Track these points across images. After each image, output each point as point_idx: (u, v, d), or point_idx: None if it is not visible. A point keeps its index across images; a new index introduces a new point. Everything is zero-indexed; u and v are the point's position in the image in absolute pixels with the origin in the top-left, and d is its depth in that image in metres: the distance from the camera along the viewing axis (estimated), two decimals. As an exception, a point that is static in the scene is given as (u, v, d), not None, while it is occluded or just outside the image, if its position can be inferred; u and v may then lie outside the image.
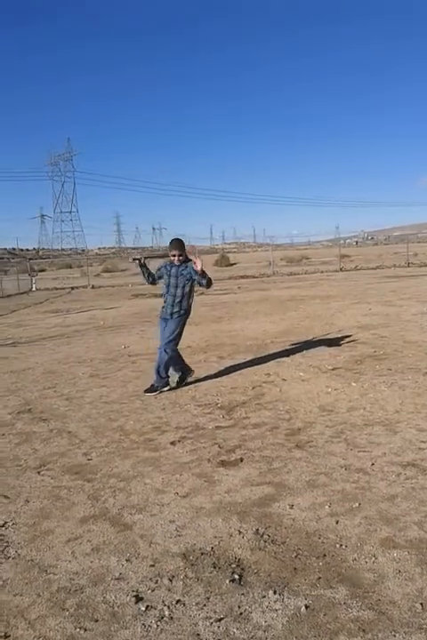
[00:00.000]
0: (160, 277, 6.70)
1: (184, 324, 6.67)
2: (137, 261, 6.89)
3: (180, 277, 6.50)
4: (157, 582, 2.84)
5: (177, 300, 6.52)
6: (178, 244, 6.61)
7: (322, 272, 30.48)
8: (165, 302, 6.64)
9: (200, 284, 6.48)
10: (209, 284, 6.48)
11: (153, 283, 6.87)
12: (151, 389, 6.57)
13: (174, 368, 6.79)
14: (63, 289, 30.25)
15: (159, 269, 6.70)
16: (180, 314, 6.55)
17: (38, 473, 4.40)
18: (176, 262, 6.53)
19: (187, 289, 6.54)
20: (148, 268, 6.79)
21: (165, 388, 6.60)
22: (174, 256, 6.51)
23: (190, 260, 6.56)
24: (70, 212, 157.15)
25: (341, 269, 31.24)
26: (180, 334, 6.65)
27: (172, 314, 6.55)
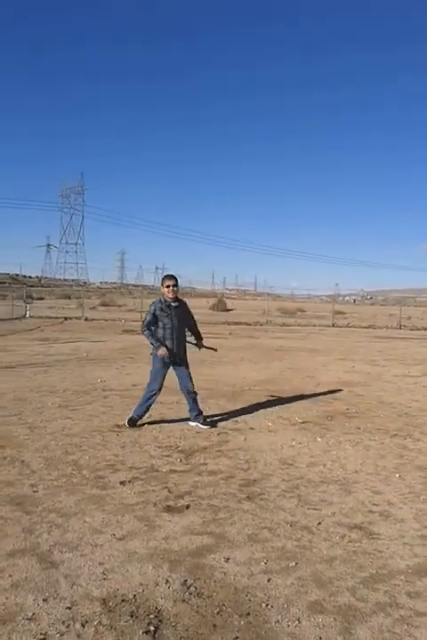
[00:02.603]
0: (157, 320, 6.49)
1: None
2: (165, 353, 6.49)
3: (182, 318, 6.54)
4: (68, 626, 2.72)
5: (182, 341, 6.56)
6: (173, 276, 6.59)
7: (314, 326, 30.52)
8: (148, 340, 6.51)
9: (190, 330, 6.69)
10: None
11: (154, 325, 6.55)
12: (131, 421, 6.63)
13: (137, 409, 6.68)
14: (57, 318, 30.17)
15: (153, 312, 6.47)
16: (185, 354, 6.62)
17: (-21, 501, 4.28)
18: (172, 295, 6.44)
19: (186, 328, 6.61)
20: (154, 339, 6.49)
21: (204, 427, 6.72)
22: (169, 287, 6.41)
23: (182, 300, 6.66)
24: (76, 244, 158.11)
25: (333, 325, 31.28)
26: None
27: (182, 358, 6.58)
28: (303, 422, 7.10)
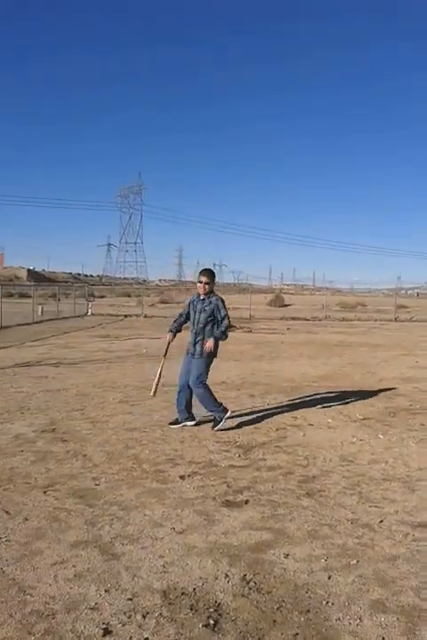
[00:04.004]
0: (187, 312, 6.61)
1: (211, 362, 6.53)
2: (172, 337, 6.65)
3: (202, 313, 6.39)
4: (129, 617, 2.77)
5: (198, 337, 6.38)
6: (208, 272, 6.53)
7: (375, 320, 29.87)
8: (189, 339, 6.53)
9: (219, 327, 6.42)
10: (224, 334, 6.45)
11: (187, 319, 6.64)
12: (175, 422, 6.53)
13: (207, 409, 6.55)
14: (117, 316, 30.79)
15: (188, 304, 6.64)
16: (201, 354, 6.38)
17: (44, 492, 4.42)
18: (202, 291, 6.42)
19: (208, 327, 6.38)
20: (174, 326, 6.65)
21: (190, 423, 6.52)
22: (200, 283, 6.41)
23: (216, 295, 6.51)
24: (135, 243, 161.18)
25: (395, 319, 30.52)
26: (206, 372, 6.49)
27: (193, 353, 6.43)
28: (364, 419, 6.96)
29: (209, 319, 6.40)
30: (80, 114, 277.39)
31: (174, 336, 6.63)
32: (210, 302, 6.43)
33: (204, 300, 6.46)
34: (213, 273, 6.61)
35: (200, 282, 6.44)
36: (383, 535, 3.73)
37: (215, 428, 6.33)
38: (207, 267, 6.69)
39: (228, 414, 6.45)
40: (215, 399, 6.49)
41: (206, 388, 6.46)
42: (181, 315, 6.69)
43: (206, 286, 6.42)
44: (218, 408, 6.44)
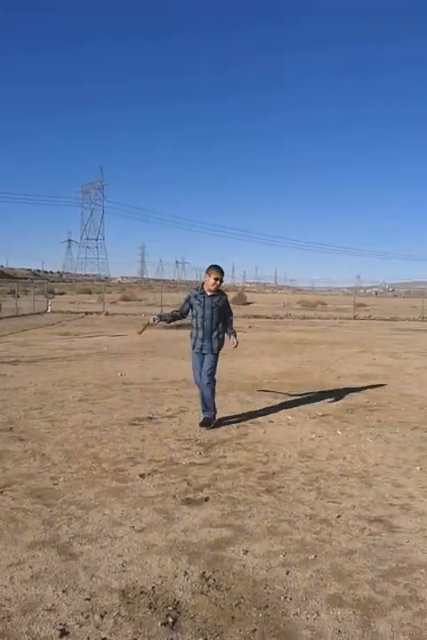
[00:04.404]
0: (191, 308, 6.47)
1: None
2: (155, 320, 6.58)
3: (215, 309, 6.34)
4: (87, 617, 2.74)
5: (215, 333, 6.34)
6: (221, 269, 6.43)
7: (335, 319, 30.31)
8: (197, 335, 6.40)
9: (231, 325, 6.54)
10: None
11: (183, 316, 6.61)
12: (206, 423, 6.40)
13: (208, 405, 6.48)
14: (78, 313, 30.39)
15: (188, 299, 6.49)
16: (218, 348, 6.42)
17: (1, 493, 4.33)
18: (213, 288, 6.34)
19: (221, 323, 6.40)
20: (165, 315, 6.71)
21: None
22: (216, 280, 6.31)
23: (222, 292, 6.53)
24: (96, 239, 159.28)
25: (354, 317, 31.04)
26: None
27: (211, 348, 6.36)
28: (323, 415, 7.06)
29: (222, 315, 6.42)
30: (41, 109, 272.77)
31: (157, 322, 6.62)
32: (220, 299, 6.42)
33: (213, 296, 6.40)
34: (223, 271, 6.52)
35: (216, 279, 6.32)
36: (341, 530, 3.79)
37: (210, 427, 6.33)
38: (215, 264, 6.51)
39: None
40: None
41: (215, 384, 6.53)
42: (179, 310, 6.58)
43: (220, 283, 6.40)
44: (213, 407, 6.50)
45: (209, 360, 6.37)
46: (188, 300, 6.48)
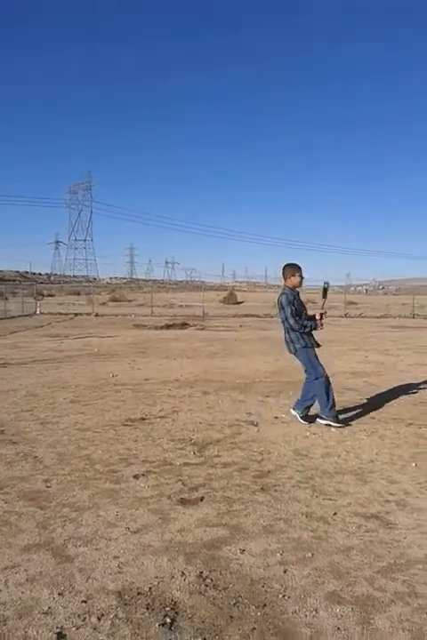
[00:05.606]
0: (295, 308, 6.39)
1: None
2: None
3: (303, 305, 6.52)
4: (84, 620, 2.70)
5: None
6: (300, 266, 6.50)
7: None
8: (307, 330, 6.39)
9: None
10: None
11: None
12: (338, 421, 6.38)
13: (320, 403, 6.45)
14: (67, 314, 30.29)
15: (293, 302, 6.35)
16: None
17: (-7, 496, 4.28)
18: (299, 286, 6.49)
19: None
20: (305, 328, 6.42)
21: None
22: (303, 277, 6.46)
23: None
24: (85, 240, 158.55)
25: (345, 315, 31.14)
26: None
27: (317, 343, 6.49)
28: (317, 413, 7.03)
29: None
30: (27, 111, 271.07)
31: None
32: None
33: (298, 293, 6.50)
34: None
35: (302, 276, 6.44)
36: (337, 527, 3.77)
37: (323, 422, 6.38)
38: (293, 262, 6.57)
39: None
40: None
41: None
42: (295, 318, 6.32)
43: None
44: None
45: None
46: (292, 303, 6.33)
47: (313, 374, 6.40)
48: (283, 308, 6.36)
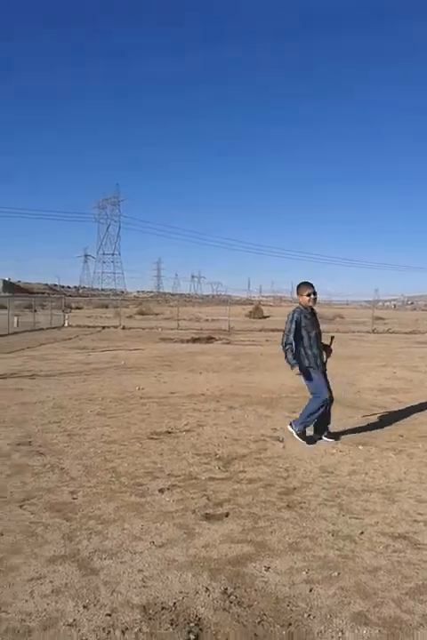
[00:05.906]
0: (299, 329, 6.23)
1: None
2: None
3: (318, 326, 6.44)
4: (108, 633, 2.71)
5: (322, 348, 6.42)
6: (313, 284, 6.45)
7: (353, 332, 30.08)
8: (312, 352, 6.25)
9: None
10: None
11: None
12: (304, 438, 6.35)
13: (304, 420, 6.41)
14: (95, 327, 30.56)
15: (297, 319, 6.22)
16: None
17: (20, 506, 4.33)
18: (312, 304, 6.39)
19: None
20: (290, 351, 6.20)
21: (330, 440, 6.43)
22: (309, 295, 6.32)
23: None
24: (113, 254, 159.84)
25: (373, 331, 30.81)
26: None
27: (324, 367, 6.43)
28: (344, 430, 6.97)
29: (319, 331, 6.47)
30: (58, 125, 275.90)
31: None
32: (316, 314, 6.54)
33: (314, 312, 6.48)
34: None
35: (309, 294, 6.35)
36: (364, 547, 3.72)
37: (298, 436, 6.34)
38: (306, 281, 6.55)
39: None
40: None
41: None
42: (294, 333, 6.19)
43: (316, 297, 6.47)
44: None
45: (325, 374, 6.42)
46: (295, 321, 6.21)
47: (316, 394, 6.35)
48: (285, 324, 6.36)
